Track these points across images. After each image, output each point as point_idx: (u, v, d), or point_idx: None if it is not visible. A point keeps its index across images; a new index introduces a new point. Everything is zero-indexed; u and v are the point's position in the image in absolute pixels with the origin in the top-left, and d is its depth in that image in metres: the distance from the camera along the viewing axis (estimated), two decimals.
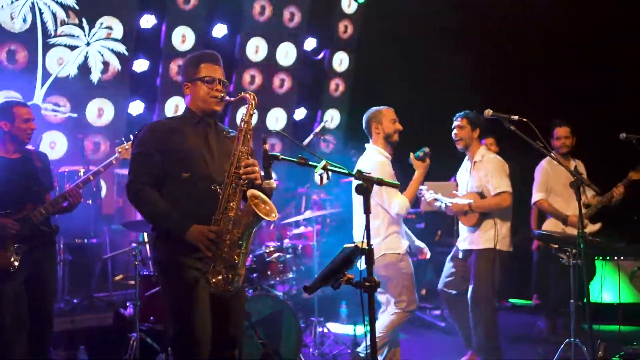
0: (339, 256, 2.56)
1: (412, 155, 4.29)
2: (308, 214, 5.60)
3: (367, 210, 2.53)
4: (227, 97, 3.24)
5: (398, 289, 4.30)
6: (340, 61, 9.98)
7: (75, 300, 5.84)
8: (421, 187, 4.72)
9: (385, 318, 4.35)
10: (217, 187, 3.09)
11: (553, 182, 5.63)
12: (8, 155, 4.22)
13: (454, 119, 5.04)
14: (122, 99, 7.72)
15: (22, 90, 6.83)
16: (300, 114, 9.70)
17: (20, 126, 4.19)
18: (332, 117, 10.01)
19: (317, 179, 2.88)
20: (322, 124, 5.56)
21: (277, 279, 5.06)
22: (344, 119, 10.03)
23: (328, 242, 6.04)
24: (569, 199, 5.49)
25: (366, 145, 4.52)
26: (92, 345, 5.08)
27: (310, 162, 2.74)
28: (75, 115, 7.35)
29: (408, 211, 4.35)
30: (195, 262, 3.04)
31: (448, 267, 5.12)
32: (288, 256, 5.13)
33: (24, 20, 6.87)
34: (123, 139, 4.62)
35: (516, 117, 4.14)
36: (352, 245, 2.47)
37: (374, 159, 4.35)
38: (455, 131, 4.98)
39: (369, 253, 2.51)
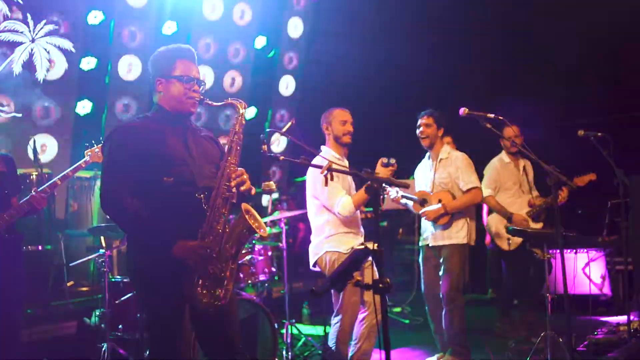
0: (347, 258, 2.52)
1: (381, 160, 4.23)
2: (277, 214, 5.50)
3: (376, 210, 2.49)
4: (209, 101, 3.05)
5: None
6: (290, 59, 9.93)
7: (29, 311, 5.55)
8: (387, 185, 4.72)
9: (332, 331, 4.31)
10: (202, 195, 2.91)
11: (502, 180, 5.78)
12: None
13: (419, 116, 5.09)
14: (69, 98, 7.40)
15: None
16: (250, 112, 9.58)
17: None
18: (282, 116, 9.95)
19: (321, 180, 2.82)
20: (289, 124, 5.47)
21: (249, 281, 4.96)
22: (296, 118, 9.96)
23: (299, 243, 5.98)
24: (517, 197, 5.67)
25: (321, 146, 4.50)
26: (56, 358, 4.82)
27: (312, 163, 2.67)
28: (20, 115, 6.98)
29: (351, 213, 4.21)
30: (180, 277, 2.82)
31: (427, 269, 5.08)
32: (260, 258, 5.04)
33: None
34: (93, 142, 4.42)
35: (492, 115, 4.22)
36: (361, 246, 2.41)
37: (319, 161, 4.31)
38: (421, 129, 5.03)
39: (379, 254, 2.48)
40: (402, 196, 4.95)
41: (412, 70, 8.55)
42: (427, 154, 5.18)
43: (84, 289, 6.46)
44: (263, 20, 9.30)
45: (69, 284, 6.23)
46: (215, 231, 2.83)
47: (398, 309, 7.03)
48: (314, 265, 4.41)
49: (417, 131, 5.07)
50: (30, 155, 5.60)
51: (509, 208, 5.65)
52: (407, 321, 6.71)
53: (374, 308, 4.25)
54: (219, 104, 3.06)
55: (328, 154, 4.36)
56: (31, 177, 5.69)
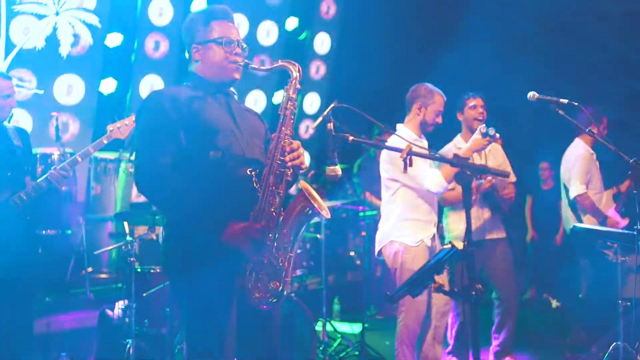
0: (431, 259, 2.11)
1: (479, 127, 3.80)
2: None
3: (467, 204, 2.08)
4: (255, 65, 2.66)
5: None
6: (322, 42, 9.52)
7: (48, 299, 5.22)
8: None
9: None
10: (253, 173, 2.53)
11: (592, 174, 5.10)
12: None
13: (472, 96, 4.55)
14: (93, 75, 7.04)
15: None
16: (279, 96, 9.20)
17: None
18: (312, 102, 9.56)
19: (399, 165, 2.40)
20: (331, 106, 5.06)
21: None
22: (324, 103, 9.59)
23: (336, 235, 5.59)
24: (601, 193, 5.15)
25: (397, 125, 4.06)
26: (75, 352, 4.48)
27: (388, 145, 2.26)
28: (41, 92, 6.65)
29: (444, 188, 3.81)
30: (230, 266, 2.45)
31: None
32: (299, 251, 4.66)
33: None
34: (116, 117, 4.04)
35: (566, 101, 3.78)
36: (448, 245, 2.01)
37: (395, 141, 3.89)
38: (480, 110, 4.53)
39: (469, 255, 2.07)
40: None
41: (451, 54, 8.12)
42: (457, 142, 4.60)
43: (103, 276, 6.12)
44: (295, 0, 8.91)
45: (88, 270, 5.90)
46: (269, 213, 2.45)
47: None
48: (379, 255, 4.00)
49: (475, 112, 4.52)
50: (52, 133, 5.27)
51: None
52: None
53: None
54: (268, 67, 2.68)
55: (405, 133, 3.91)
56: (52, 156, 5.33)
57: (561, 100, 3.82)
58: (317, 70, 9.55)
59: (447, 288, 2.13)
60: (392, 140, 3.88)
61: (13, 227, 3.60)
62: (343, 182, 8.02)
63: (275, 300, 2.46)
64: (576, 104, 3.80)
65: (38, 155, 5.40)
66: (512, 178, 4.52)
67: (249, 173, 2.53)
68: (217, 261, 2.43)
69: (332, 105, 5.11)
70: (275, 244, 2.44)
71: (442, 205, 4.37)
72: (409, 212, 3.87)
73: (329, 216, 2.53)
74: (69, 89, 6.88)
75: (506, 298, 4.41)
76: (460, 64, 7.60)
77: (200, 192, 2.46)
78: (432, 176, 3.76)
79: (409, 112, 4.03)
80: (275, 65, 2.65)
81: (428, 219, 3.95)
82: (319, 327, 4.93)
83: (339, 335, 5.20)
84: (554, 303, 7.14)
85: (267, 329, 2.64)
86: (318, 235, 5.00)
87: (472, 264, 2.07)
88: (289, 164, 2.51)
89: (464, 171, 2.05)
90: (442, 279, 2.68)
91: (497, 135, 3.79)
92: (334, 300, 6.57)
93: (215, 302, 2.47)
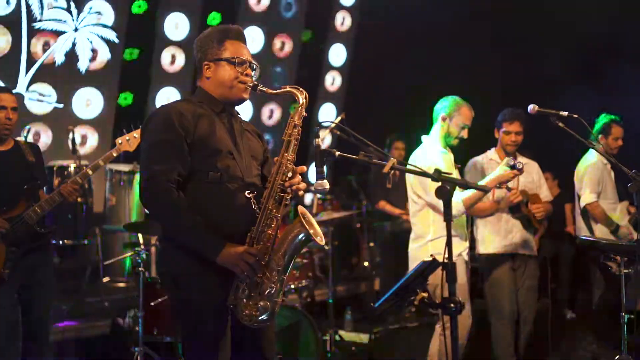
0: (412, 271, 2.17)
1: (506, 159, 3.82)
2: (324, 215, 5.13)
3: (448, 218, 2.14)
4: (263, 87, 2.66)
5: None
6: (337, 54, 9.62)
7: (64, 307, 5.36)
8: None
9: (433, 341, 3.87)
10: (251, 195, 2.58)
11: (604, 184, 4.99)
12: None
13: (509, 121, 4.38)
14: (111, 89, 7.23)
15: (5, 77, 6.30)
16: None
17: None
18: (327, 113, 9.64)
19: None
20: (339, 118, 5.14)
21: (292, 286, 4.64)
22: (339, 114, 9.66)
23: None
24: (615, 204, 5.09)
25: (423, 137, 4.08)
26: (87, 359, 4.61)
27: (374, 160, 2.33)
28: (61, 105, 6.85)
29: (461, 214, 3.82)
30: (221, 287, 2.50)
31: (509, 281, 4.34)
32: (305, 261, 4.73)
33: (8, 2, 6.34)
34: (124, 130, 4.15)
35: (565, 113, 3.81)
36: (429, 259, 2.07)
37: (423, 154, 3.92)
38: (513, 138, 4.38)
39: (450, 267, 2.13)
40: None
41: (461, 70, 8.12)
42: (490, 155, 4.58)
43: (121, 284, 6.25)
44: (310, 12, 9.02)
45: (104, 280, 6.03)
46: (267, 236, 2.50)
47: None
48: None
49: (508, 138, 4.39)
50: (69, 146, 5.43)
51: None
52: None
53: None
54: (275, 91, 2.68)
55: (432, 146, 3.96)
56: (69, 168, 5.49)
57: (561, 112, 3.86)
58: (333, 81, 9.64)
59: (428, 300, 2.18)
60: (416, 153, 3.93)
61: (28, 239, 3.72)
62: (358, 192, 8.09)
63: (265, 318, 2.49)
64: (575, 116, 3.83)
65: (55, 168, 5.59)
66: (547, 197, 4.43)
67: (247, 195, 2.57)
68: (209, 278, 2.49)
69: (339, 118, 5.23)
70: (269, 265, 2.48)
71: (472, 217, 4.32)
72: (442, 229, 3.77)
73: (323, 243, 2.55)
74: (88, 102, 7.08)
75: (523, 314, 4.36)
76: (475, 74, 7.64)
77: (199, 212, 2.50)
78: (453, 201, 3.76)
79: (435, 124, 4.03)
80: (282, 90, 2.66)
81: (460, 233, 3.96)
82: (326, 337, 4.98)
83: (348, 346, 5.24)
84: (569, 314, 7.08)
85: (261, 341, 2.66)
86: (325, 246, 5.06)
87: (454, 276, 2.12)
88: (289, 189, 2.55)
89: (444, 185, 2.12)
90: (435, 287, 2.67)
91: (523, 168, 3.79)
92: (345, 311, 6.61)
93: (208, 317, 2.52)
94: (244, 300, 2.47)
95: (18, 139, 3.96)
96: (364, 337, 5.46)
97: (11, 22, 6.37)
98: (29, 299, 3.75)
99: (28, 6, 6.45)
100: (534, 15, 7.89)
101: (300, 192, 2.61)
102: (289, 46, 8.94)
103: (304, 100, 2.62)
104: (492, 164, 4.33)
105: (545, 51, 7.79)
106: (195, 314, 2.53)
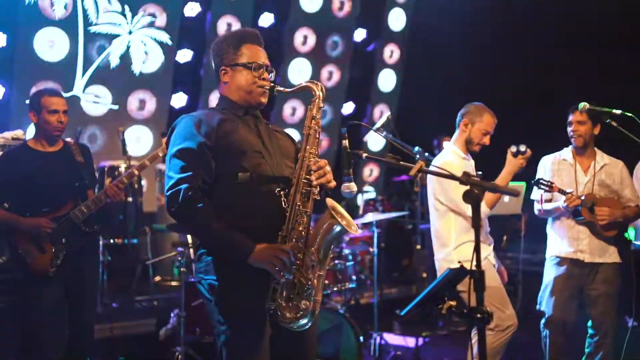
0: (439, 279, 2.07)
1: (509, 149, 3.72)
2: (370, 217, 5.03)
3: (476, 223, 2.03)
4: (280, 88, 2.66)
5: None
6: (391, 53, 9.51)
7: (114, 305, 5.47)
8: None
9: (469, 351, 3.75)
10: (282, 192, 2.54)
11: None
12: (43, 148, 3.82)
13: (571, 111, 4.17)
14: (164, 90, 7.36)
15: (62, 80, 6.50)
16: (348, 108, 9.24)
17: (46, 118, 3.72)
18: (381, 112, 9.54)
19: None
20: (385, 117, 5.04)
21: (335, 289, 4.58)
22: (394, 113, 9.55)
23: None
24: None
25: (444, 142, 4.00)
26: (132, 356, 4.68)
27: (402, 162, 2.24)
28: (116, 107, 7.01)
29: (485, 215, 3.75)
30: (260, 288, 2.45)
31: (566, 288, 4.11)
32: (348, 264, 4.65)
33: (65, 7, 6.54)
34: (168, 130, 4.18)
35: (619, 112, 3.61)
36: (456, 265, 1.96)
37: (442, 159, 3.85)
38: (572, 127, 4.13)
39: (478, 275, 2.02)
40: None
41: (524, 65, 7.87)
42: (565, 153, 4.35)
43: (173, 283, 6.35)
44: (363, 11, 8.95)
45: (155, 279, 6.13)
46: (298, 233, 2.45)
47: None
48: None
49: (568, 129, 4.19)
50: (119, 147, 5.54)
51: None
52: None
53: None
54: (292, 89, 2.67)
55: (454, 152, 3.90)
56: (120, 168, 5.61)
57: (614, 111, 3.66)
58: (387, 80, 9.54)
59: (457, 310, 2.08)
60: (437, 159, 3.86)
61: (75, 238, 3.79)
62: (410, 193, 7.95)
63: (306, 322, 2.44)
64: (630, 114, 3.63)
65: (106, 168, 5.71)
66: (632, 199, 4.14)
67: (277, 193, 2.54)
68: (247, 283, 2.46)
69: (385, 117, 5.14)
70: (304, 263, 2.44)
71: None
72: (465, 234, 3.78)
73: (357, 233, 2.51)
74: (142, 104, 7.22)
75: (601, 328, 4.08)
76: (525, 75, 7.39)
77: (229, 215, 2.48)
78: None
79: (457, 129, 3.96)
80: (298, 86, 2.65)
81: (484, 238, 3.84)
82: (371, 340, 4.89)
83: (394, 349, 5.14)
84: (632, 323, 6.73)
85: (302, 347, 2.60)
86: (370, 249, 4.97)
87: (482, 285, 2.02)
88: (315, 182, 2.50)
89: (472, 190, 2.01)
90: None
91: (528, 151, 3.64)
92: (394, 314, 6.50)
93: (246, 323, 2.48)
94: (283, 303, 2.42)
95: (68, 139, 4.04)
96: (410, 341, 5.35)
97: (68, 26, 6.55)
98: (75, 298, 3.81)
99: (84, 10, 6.63)
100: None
101: (330, 184, 2.55)
102: (341, 46, 8.90)
103: (320, 93, 2.60)
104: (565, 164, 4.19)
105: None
106: (232, 320, 2.50)
